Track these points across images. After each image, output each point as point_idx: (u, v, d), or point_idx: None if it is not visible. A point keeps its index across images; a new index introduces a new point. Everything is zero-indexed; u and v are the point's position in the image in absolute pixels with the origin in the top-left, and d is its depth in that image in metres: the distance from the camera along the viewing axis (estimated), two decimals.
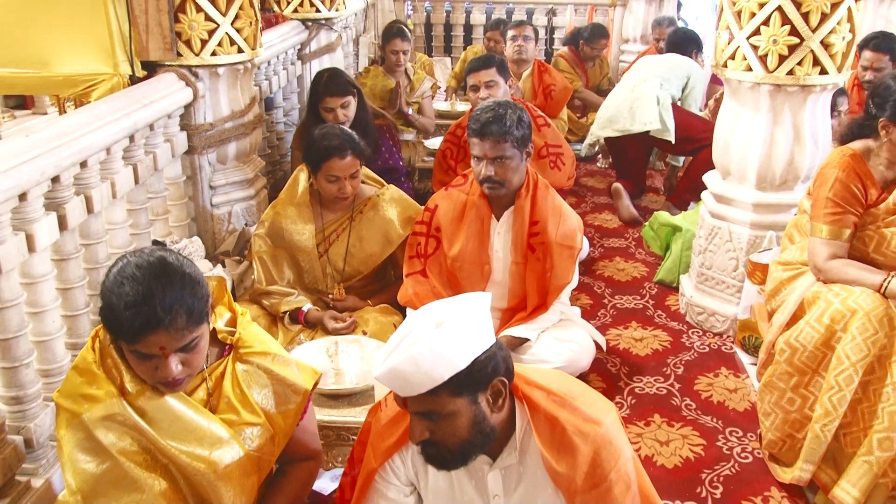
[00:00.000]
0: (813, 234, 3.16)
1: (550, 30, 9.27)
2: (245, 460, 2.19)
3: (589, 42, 7.72)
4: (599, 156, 7.22)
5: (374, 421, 2.24)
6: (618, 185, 5.97)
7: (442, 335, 1.87)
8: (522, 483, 2.15)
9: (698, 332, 4.28)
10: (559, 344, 3.48)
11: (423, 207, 3.72)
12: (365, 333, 3.40)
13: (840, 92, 4.84)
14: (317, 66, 6.24)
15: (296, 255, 3.67)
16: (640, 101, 5.73)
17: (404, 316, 3.61)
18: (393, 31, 6.14)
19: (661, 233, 5.05)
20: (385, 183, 3.89)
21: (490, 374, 1.95)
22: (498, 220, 3.53)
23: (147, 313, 1.91)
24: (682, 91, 6.06)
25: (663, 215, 5.12)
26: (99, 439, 2.04)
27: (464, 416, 1.95)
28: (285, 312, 3.52)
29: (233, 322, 2.32)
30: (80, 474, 2.05)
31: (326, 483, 2.99)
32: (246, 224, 4.40)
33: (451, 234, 3.56)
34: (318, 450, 2.56)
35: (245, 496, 2.23)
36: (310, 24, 6.01)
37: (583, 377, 3.62)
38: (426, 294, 3.50)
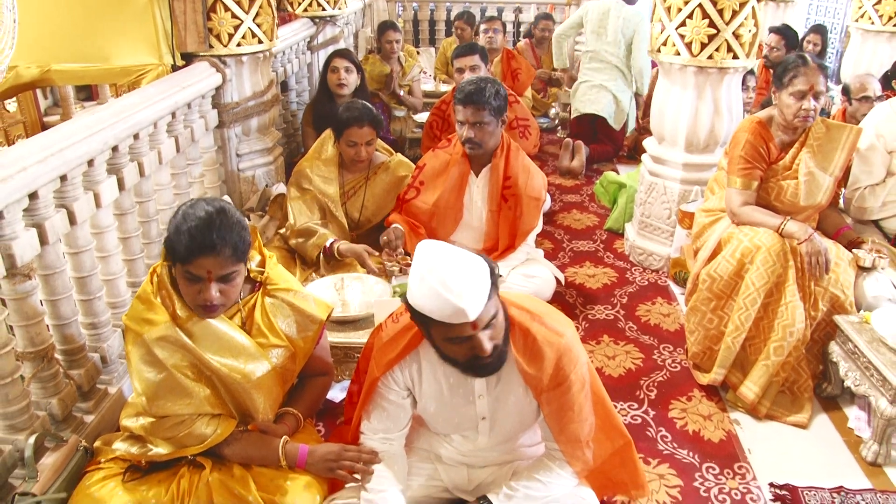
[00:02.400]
0: (729, 185, 3.31)
1: (517, 24, 9.28)
2: (272, 373, 2.31)
3: (535, 25, 7.75)
4: (559, 127, 7.33)
5: (377, 340, 2.28)
6: (579, 141, 6.17)
7: (469, 262, 1.92)
8: (500, 384, 2.21)
9: (639, 269, 4.42)
10: (526, 279, 3.58)
11: None
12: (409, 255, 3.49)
13: (749, 72, 5.01)
14: (323, 55, 6.27)
15: (323, 202, 3.75)
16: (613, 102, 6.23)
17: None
18: (387, 25, 6.23)
19: (609, 189, 5.19)
20: (394, 152, 3.99)
21: (496, 278, 2.00)
22: (476, 176, 3.62)
23: (205, 237, 2.06)
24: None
25: (611, 175, 5.25)
26: (156, 354, 2.17)
27: (501, 316, 2.00)
28: (320, 247, 3.56)
29: (262, 264, 2.43)
30: (143, 381, 2.18)
31: (337, 393, 3.10)
32: (266, 185, 4.48)
33: (432, 186, 3.64)
34: (331, 367, 2.69)
35: (272, 402, 2.36)
36: (317, 20, 6.05)
37: None
38: (404, 221, 3.65)
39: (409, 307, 1.99)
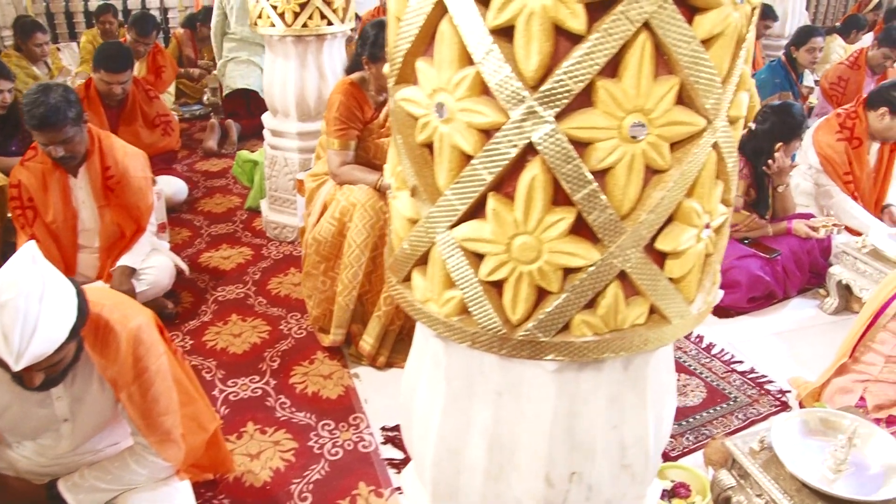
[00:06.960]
0: (329, 147, 3.31)
1: (164, 10, 8.81)
2: None
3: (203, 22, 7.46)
4: (212, 112, 7.05)
5: None
6: (229, 120, 6.31)
7: (52, 303, 1.75)
8: (76, 382, 2.03)
9: (276, 244, 4.35)
10: (140, 273, 3.41)
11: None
12: None
13: None
14: None
15: None
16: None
17: None
18: (33, 26, 5.85)
19: (245, 168, 5.02)
20: None
21: (87, 308, 1.88)
22: (76, 178, 3.33)
23: None
24: None
25: (244, 153, 5.09)
26: None
27: (72, 350, 1.87)
28: None
29: None
30: None
31: None
32: None
33: (43, 204, 3.30)
34: None
35: None
36: None
37: (172, 294, 3.61)
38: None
39: None
